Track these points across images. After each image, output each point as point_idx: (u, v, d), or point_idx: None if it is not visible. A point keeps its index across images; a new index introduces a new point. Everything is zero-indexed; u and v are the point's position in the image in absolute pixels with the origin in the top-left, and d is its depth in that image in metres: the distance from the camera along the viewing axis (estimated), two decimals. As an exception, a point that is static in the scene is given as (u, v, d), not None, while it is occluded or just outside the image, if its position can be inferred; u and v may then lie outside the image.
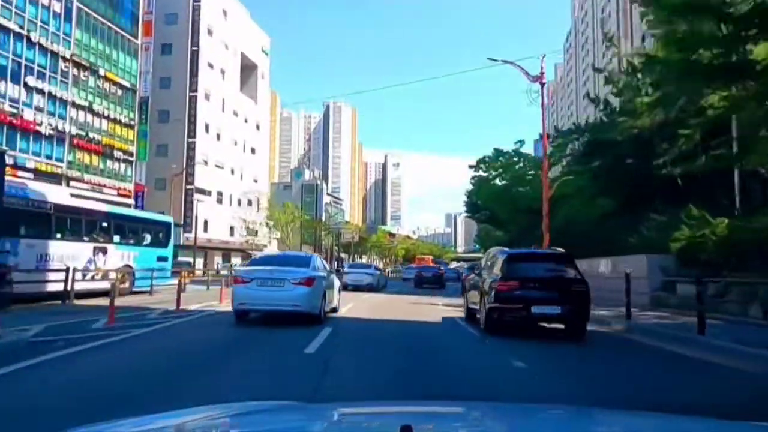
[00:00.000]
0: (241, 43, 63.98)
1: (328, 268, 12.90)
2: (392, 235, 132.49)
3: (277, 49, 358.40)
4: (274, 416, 1.75)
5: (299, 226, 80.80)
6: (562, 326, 9.87)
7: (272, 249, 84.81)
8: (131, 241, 19.11)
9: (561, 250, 11.71)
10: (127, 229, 19.16)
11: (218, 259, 59.29)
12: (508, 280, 9.45)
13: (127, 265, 18.24)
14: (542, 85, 19.26)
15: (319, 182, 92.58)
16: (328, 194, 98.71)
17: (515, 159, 26.99)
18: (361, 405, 2.48)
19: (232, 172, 61.84)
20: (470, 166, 31.20)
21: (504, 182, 27.49)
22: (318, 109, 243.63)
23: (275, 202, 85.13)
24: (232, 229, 61.72)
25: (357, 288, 24.00)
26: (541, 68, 19.16)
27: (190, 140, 53.51)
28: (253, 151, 67.61)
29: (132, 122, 45.84)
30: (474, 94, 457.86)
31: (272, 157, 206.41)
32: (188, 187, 52.40)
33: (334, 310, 12.75)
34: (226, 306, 12.56)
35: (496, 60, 18.50)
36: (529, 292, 9.34)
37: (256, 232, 67.14)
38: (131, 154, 45.71)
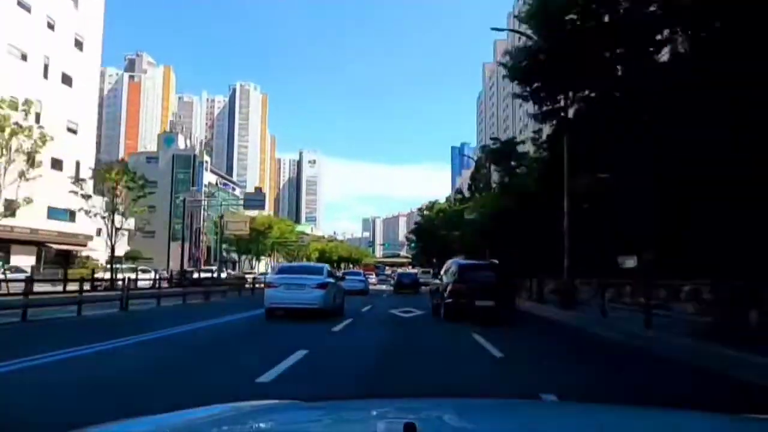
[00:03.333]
0: None
1: (335, 276, 16.44)
2: (305, 234, 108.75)
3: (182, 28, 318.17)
4: (275, 415, 1.74)
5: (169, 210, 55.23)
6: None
7: (122, 245, 57.98)
8: None
9: (496, 261, 17.52)
10: None
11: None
12: (460, 282, 13.83)
13: None
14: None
15: (197, 152, 65.82)
16: (212, 171, 72.30)
17: None
18: (363, 403, 2.55)
19: (16, 107, 35.36)
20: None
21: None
22: (224, 92, 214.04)
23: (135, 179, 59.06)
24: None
25: (351, 293, 23.84)
26: None
27: None
28: (67, 80, 41.31)
29: None
30: (393, 101, 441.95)
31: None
32: None
33: (340, 310, 15.03)
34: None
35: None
36: (473, 290, 13.47)
37: (71, 214, 40.93)
38: None
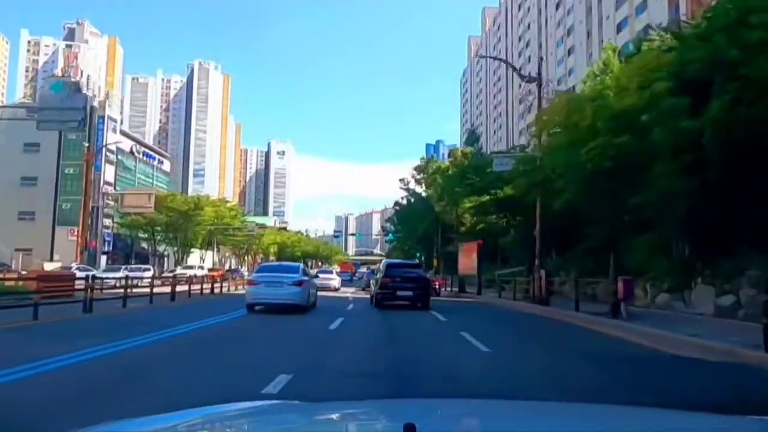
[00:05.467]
0: None
1: (309, 273, 18.27)
2: (259, 224, 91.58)
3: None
4: (276, 416, 1.75)
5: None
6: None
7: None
8: None
9: (416, 261, 26.85)
10: None
11: None
12: (386, 277, 17.42)
13: None
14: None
15: (97, 103, 47.47)
16: (124, 133, 54.09)
17: None
18: (363, 403, 2.48)
19: None
20: None
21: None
22: (182, 73, 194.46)
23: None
24: None
25: (325, 288, 26.61)
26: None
27: None
28: None
29: None
30: (367, 96, 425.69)
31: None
32: None
33: (314, 305, 16.52)
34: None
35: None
36: (396, 283, 17.18)
37: None
38: None
